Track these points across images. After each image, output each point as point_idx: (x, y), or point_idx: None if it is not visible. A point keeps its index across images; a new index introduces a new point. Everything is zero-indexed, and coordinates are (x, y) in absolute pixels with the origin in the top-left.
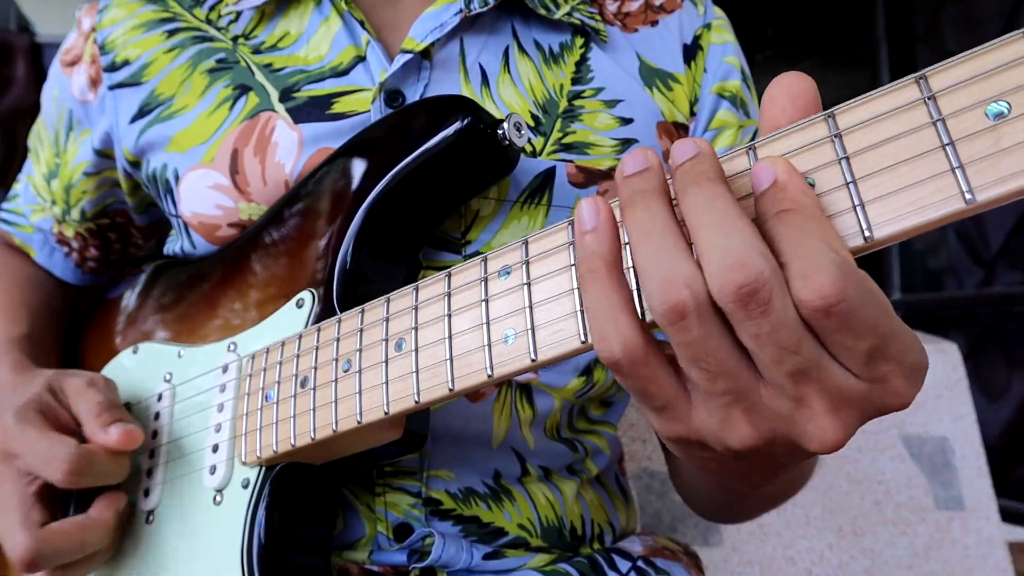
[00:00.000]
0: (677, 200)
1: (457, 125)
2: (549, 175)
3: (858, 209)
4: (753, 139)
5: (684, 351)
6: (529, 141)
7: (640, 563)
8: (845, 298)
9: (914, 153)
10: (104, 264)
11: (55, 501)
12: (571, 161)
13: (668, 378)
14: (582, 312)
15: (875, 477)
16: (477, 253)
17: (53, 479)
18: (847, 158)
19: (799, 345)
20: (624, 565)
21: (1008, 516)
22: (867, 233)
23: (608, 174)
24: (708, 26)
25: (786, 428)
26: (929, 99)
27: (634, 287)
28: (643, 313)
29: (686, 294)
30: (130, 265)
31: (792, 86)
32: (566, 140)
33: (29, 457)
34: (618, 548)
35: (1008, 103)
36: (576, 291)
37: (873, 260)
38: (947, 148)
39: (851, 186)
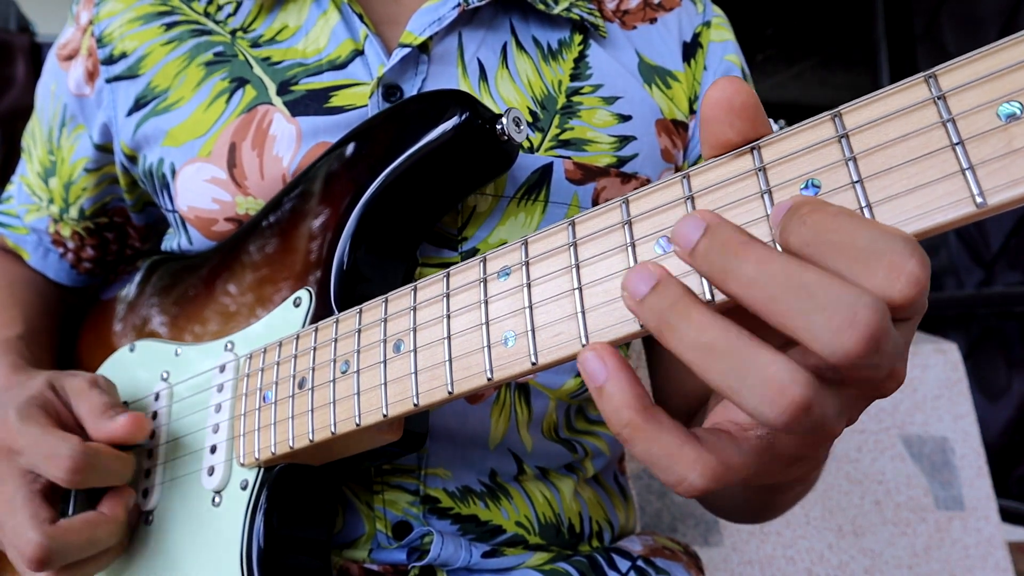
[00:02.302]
0: (713, 283)
1: (455, 120)
2: (546, 171)
3: (865, 211)
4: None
5: (801, 436)
6: (527, 137)
7: (640, 563)
8: (928, 265)
9: (923, 153)
10: (99, 265)
11: (56, 501)
12: (569, 157)
13: (744, 454)
14: (583, 314)
15: (875, 477)
16: (474, 250)
17: (56, 477)
18: (854, 158)
19: (902, 343)
20: (624, 564)
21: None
22: None
23: (606, 171)
24: (708, 24)
25: (872, 397)
26: (939, 99)
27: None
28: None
29: (799, 391)
30: (126, 265)
31: (727, 97)
32: (564, 136)
33: (32, 454)
34: (618, 547)
35: (1021, 103)
36: (577, 292)
37: None
38: (957, 149)
39: (858, 187)
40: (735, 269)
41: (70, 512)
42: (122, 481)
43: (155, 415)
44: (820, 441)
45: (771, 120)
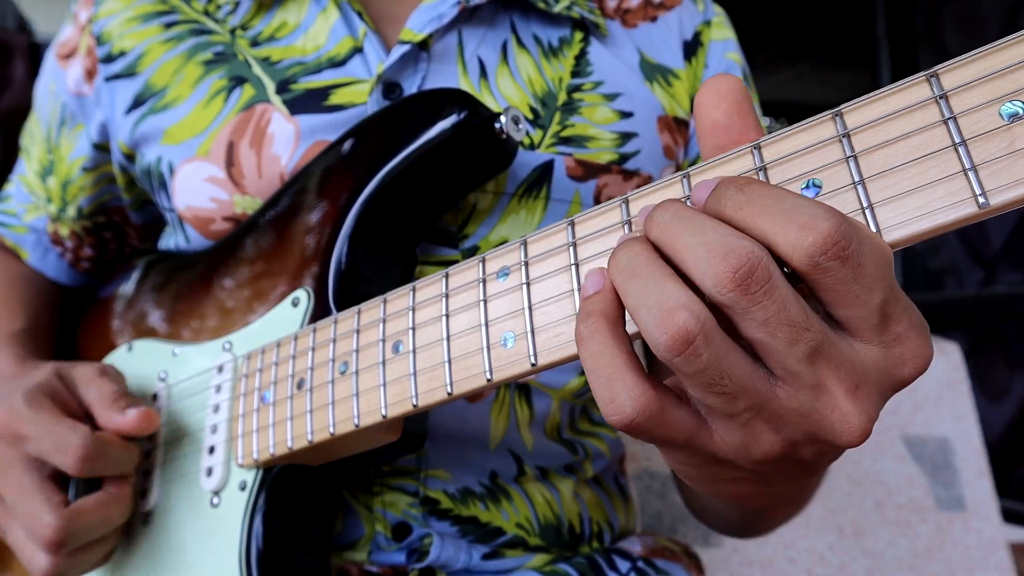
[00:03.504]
0: (649, 238)
1: (453, 119)
2: (547, 168)
3: (867, 211)
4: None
5: (697, 380)
6: (527, 134)
7: (640, 563)
8: (852, 237)
9: (925, 153)
10: (98, 264)
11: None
12: (570, 154)
13: (685, 416)
14: None
15: (876, 478)
16: (475, 247)
17: (65, 466)
18: (855, 158)
19: (808, 319)
20: (624, 565)
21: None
22: None
23: (607, 168)
24: (708, 23)
25: (810, 425)
26: (941, 98)
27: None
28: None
29: (685, 316)
30: (124, 263)
31: (720, 86)
32: (565, 133)
33: (41, 443)
34: (618, 548)
35: (1023, 103)
36: (576, 292)
37: None
38: (959, 149)
39: (859, 187)
40: (657, 216)
41: (71, 498)
42: (127, 471)
43: None
44: (745, 441)
45: (770, 119)
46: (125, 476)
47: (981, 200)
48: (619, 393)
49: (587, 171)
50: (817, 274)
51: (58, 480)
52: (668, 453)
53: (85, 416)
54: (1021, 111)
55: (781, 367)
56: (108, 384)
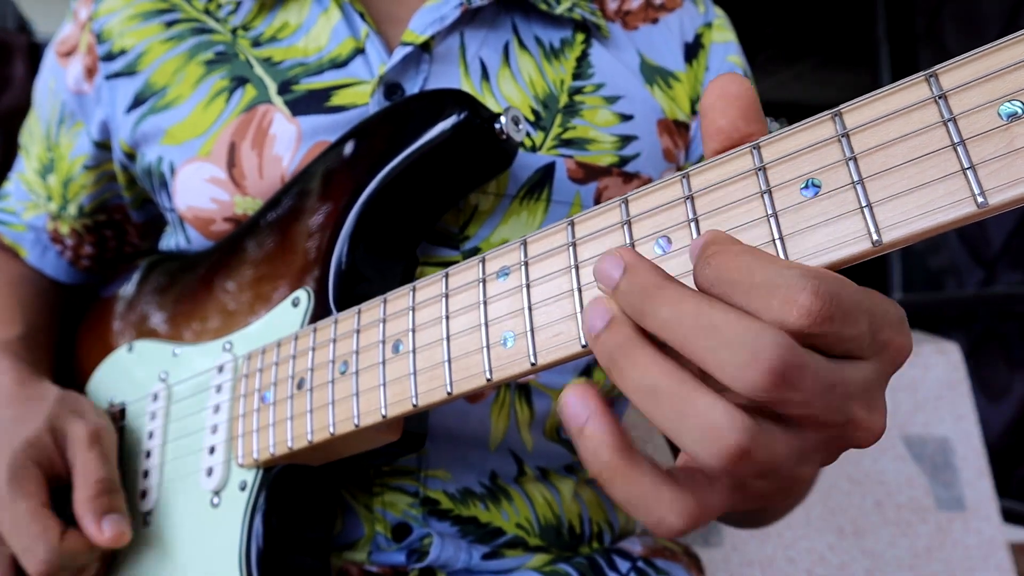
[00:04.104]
0: (637, 322)
1: (453, 119)
2: (549, 170)
3: (866, 211)
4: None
5: (751, 474)
6: (528, 136)
7: (640, 563)
8: (831, 297)
9: (924, 153)
10: (98, 262)
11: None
12: (571, 157)
13: (719, 494)
14: (582, 314)
15: (876, 478)
16: (475, 249)
17: (27, 568)
18: (854, 158)
19: (832, 374)
20: (624, 565)
21: (1009, 517)
22: (875, 236)
23: (608, 170)
24: (709, 25)
25: (838, 447)
26: (940, 98)
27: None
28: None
29: (734, 436)
30: (124, 262)
31: (728, 89)
32: (566, 136)
33: (11, 538)
34: (618, 548)
35: (1022, 102)
36: (576, 292)
37: (874, 259)
38: (958, 148)
39: (859, 187)
40: (652, 312)
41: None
42: (88, 566)
43: (153, 415)
44: (787, 482)
45: (770, 119)
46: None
47: (980, 199)
48: (663, 515)
49: (588, 173)
50: (810, 340)
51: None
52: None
53: (69, 477)
54: (1020, 111)
55: (818, 423)
56: (97, 467)
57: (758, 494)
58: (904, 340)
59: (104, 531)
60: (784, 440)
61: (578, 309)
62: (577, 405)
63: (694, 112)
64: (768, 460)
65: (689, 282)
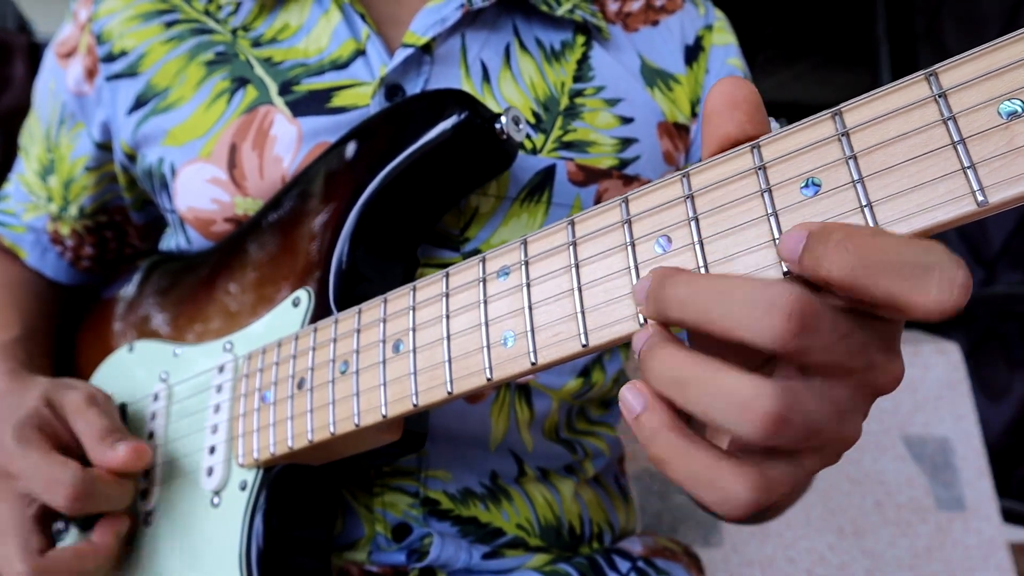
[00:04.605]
0: (662, 320)
1: (454, 119)
2: (549, 173)
3: (866, 210)
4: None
5: (792, 443)
6: (529, 138)
7: (640, 563)
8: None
9: (924, 152)
10: (99, 263)
11: (50, 523)
12: (571, 159)
13: (781, 469)
14: (582, 314)
15: (876, 478)
16: (476, 250)
17: (56, 505)
18: (854, 157)
19: (851, 322)
20: (624, 565)
21: (1009, 516)
22: None
23: (608, 173)
24: (710, 27)
25: (869, 392)
26: (940, 96)
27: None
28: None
29: (764, 402)
30: (125, 263)
31: (735, 95)
32: (567, 138)
33: (31, 481)
34: (618, 548)
35: (1022, 101)
36: (576, 292)
37: None
38: (958, 147)
39: (858, 185)
40: (671, 296)
41: (60, 526)
42: (121, 506)
43: (154, 415)
44: (836, 445)
45: (770, 119)
46: (117, 515)
47: (980, 198)
48: (728, 491)
49: (588, 176)
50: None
51: (46, 519)
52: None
53: (76, 446)
54: (1020, 109)
55: (843, 371)
56: (97, 416)
57: (816, 466)
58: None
59: (119, 451)
60: (814, 396)
61: (578, 308)
62: (633, 395)
63: (694, 114)
64: (806, 421)
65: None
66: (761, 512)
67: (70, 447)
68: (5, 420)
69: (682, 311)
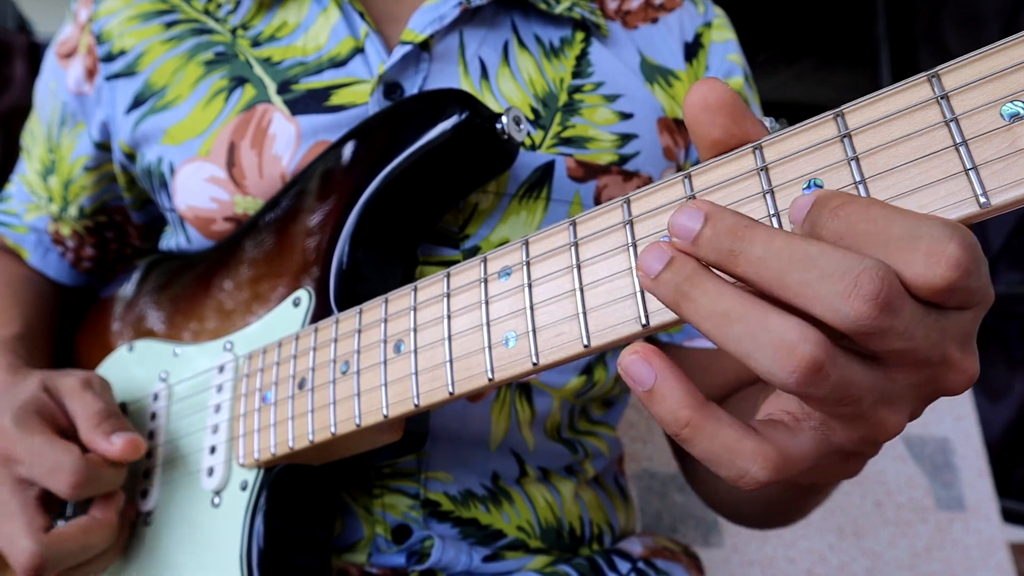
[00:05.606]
0: (723, 269)
1: (454, 119)
2: (548, 169)
3: None
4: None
5: (827, 400)
6: (528, 134)
7: (640, 564)
8: (976, 247)
9: (926, 153)
10: (100, 264)
11: (51, 505)
12: (570, 155)
13: (804, 444)
14: (584, 314)
15: (876, 477)
16: (475, 248)
17: (58, 490)
18: (856, 158)
19: (930, 309)
20: (624, 566)
21: (1009, 516)
22: None
23: (607, 169)
24: (709, 24)
25: (930, 391)
26: (942, 98)
27: None
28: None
29: (807, 348)
30: (125, 263)
31: (709, 100)
32: (566, 134)
33: (33, 466)
34: (618, 549)
35: None
36: (578, 292)
37: None
38: (960, 149)
39: (861, 187)
40: (745, 251)
41: (68, 513)
42: (115, 488)
43: (153, 415)
44: (872, 432)
45: (771, 119)
46: (112, 492)
47: (982, 200)
48: (746, 465)
49: (587, 172)
50: (950, 295)
51: (45, 501)
52: (797, 476)
53: (74, 429)
54: (1022, 111)
55: (914, 359)
56: (93, 401)
57: (839, 453)
58: (991, 292)
59: (114, 443)
60: (864, 370)
61: (580, 309)
62: (640, 367)
63: None
64: (843, 382)
65: None
66: (783, 517)
67: (68, 431)
68: (5, 408)
69: (755, 270)
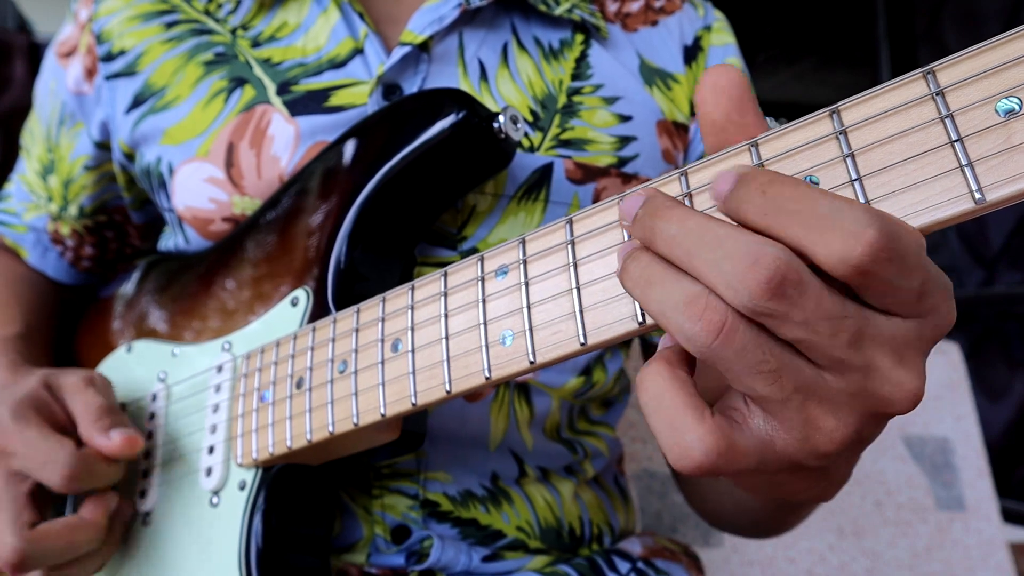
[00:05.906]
0: (647, 246)
1: (452, 119)
2: (547, 171)
3: None
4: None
5: (738, 364)
6: (527, 136)
7: (640, 564)
8: (896, 236)
9: (922, 150)
10: (99, 263)
11: (46, 499)
12: (569, 157)
13: (750, 440)
14: (581, 312)
15: (876, 477)
16: (473, 249)
17: (50, 483)
18: (852, 155)
19: (844, 307)
20: (624, 566)
21: (1009, 516)
22: None
23: (606, 171)
24: (709, 27)
25: (865, 403)
26: (937, 95)
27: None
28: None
29: (711, 300)
30: (125, 263)
31: (718, 82)
32: (564, 136)
33: (26, 459)
34: (618, 549)
35: (1020, 99)
36: (575, 290)
37: None
38: (956, 145)
39: (856, 184)
40: (662, 229)
41: (67, 507)
42: (112, 483)
43: (152, 415)
44: (808, 432)
45: (770, 118)
46: (104, 493)
47: (978, 196)
48: (684, 437)
49: (586, 174)
50: (862, 279)
51: (39, 497)
52: (738, 479)
53: (72, 426)
54: (1017, 107)
55: (826, 358)
56: (94, 397)
57: (781, 462)
58: (950, 311)
59: (112, 439)
60: (777, 346)
61: (577, 307)
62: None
63: (693, 114)
64: (753, 346)
65: None
66: (779, 523)
67: (67, 428)
68: (4, 403)
69: (668, 247)
